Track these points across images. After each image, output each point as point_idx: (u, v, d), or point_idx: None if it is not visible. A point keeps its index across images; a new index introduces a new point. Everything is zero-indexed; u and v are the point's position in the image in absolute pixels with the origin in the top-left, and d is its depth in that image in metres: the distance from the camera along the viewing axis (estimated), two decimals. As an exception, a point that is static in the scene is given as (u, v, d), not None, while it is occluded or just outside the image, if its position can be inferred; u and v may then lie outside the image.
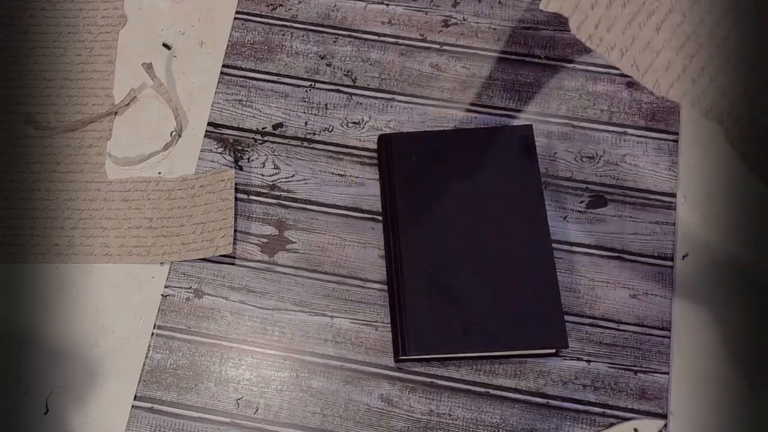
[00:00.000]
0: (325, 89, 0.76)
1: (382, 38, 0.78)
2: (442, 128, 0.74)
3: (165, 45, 0.79)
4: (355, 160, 0.74)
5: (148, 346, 0.67)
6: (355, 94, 0.76)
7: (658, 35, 0.50)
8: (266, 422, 0.64)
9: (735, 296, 0.68)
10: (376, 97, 0.76)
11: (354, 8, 0.80)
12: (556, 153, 0.74)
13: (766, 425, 0.64)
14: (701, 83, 0.49)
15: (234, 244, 0.69)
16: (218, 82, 0.77)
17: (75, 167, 0.73)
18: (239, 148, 0.74)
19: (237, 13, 0.80)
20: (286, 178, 0.73)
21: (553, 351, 0.66)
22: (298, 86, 0.77)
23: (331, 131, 0.75)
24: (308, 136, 0.74)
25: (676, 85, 0.50)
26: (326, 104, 0.76)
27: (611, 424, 0.64)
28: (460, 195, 0.69)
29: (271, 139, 0.74)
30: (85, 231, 0.71)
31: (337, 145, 0.74)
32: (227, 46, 0.78)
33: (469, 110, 0.75)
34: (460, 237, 0.67)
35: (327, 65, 0.77)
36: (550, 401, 0.65)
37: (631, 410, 0.64)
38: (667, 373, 0.65)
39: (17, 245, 0.70)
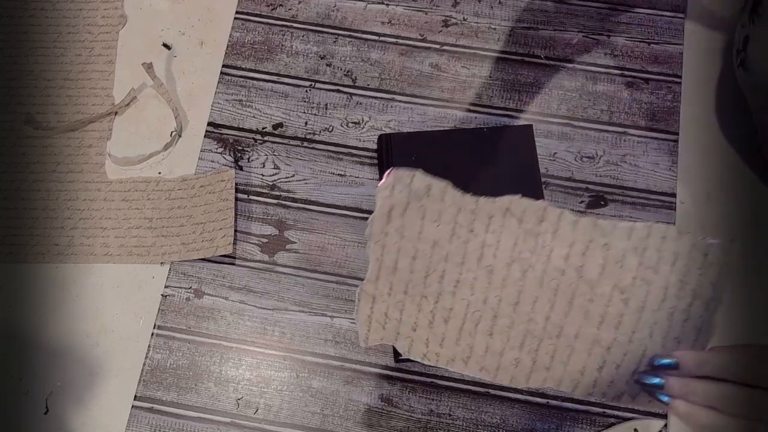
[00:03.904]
0: (325, 89, 0.76)
1: (382, 38, 0.78)
2: (442, 128, 0.74)
3: (165, 45, 0.79)
4: (355, 160, 0.74)
5: (148, 346, 0.67)
6: (355, 94, 0.76)
7: (494, 338, 0.48)
8: (266, 422, 0.64)
9: (735, 296, 0.68)
10: (376, 97, 0.76)
11: (354, 8, 0.80)
12: (556, 153, 0.74)
13: (766, 425, 0.64)
14: (557, 369, 0.49)
15: (234, 244, 0.69)
16: (218, 82, 0.77)
17: (75, 167, 0.73)
18: (239, 148, 0.74)
19: (237, 13, 0.80)
20: (286, 178, 0.73)
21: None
22: (298, 86, 0.77)
23: (331, 131, 0.75)
24: (308, 136, 0.75)
25: (533, 376, 0.49)
26: (326, 104, 0.76)
27: (611, 424, 0.64)
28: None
29: (271, 139, 0.74)
30: (85, 231, 0.71)
31: (337, 145, 0.74)
32: (227, 46, 0.78)
33: (469, 110, 0.75)
34: (460, 237, 0.67)
35: (327, 65, 0.77)
36: (550, 401, 0.65)
37: (631, 410, 0.64)
38: (667, 373, 0.65)
39: (17, 245, 0.70)
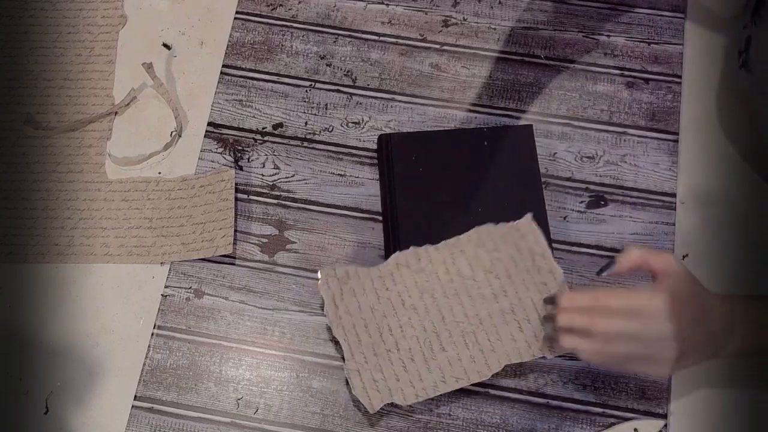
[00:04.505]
0: (325, 89, 0.76)
1: (382, 38, 0.78)
2: (442, 128, 0.74)
3: (165, 45, 0.79)
4: (355, 160, 0.74)
5: (148, 346, 0.67)
6: (355, 94, 0.76)
7: (448, 351, 0.62)
8: (266, 422, 0.64)
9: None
10: (376, 97, 0.76)
11: (354, 8, 0.80)
12: (556, 153, 0.74)
13: (767, 425, 0.64)
14: (499, 347, 0.63)
15: (234, 244, 0.69)
16: (218, 82, 0.77)
17: (75, 167, 0.73)
18: (239, 148, 0.74)
19: (237, 13, 0.80)
20: (286, 178, 0.73)
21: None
22: (298, 86, 0.77)
23: (331, 131, 0.75)
24: (308, 136, 0.75)
25: (489, 362, 0.62)
26: (326, 104, 0.76)
27: (611, 424, 0.64)
28: (460, 195, 0.69)
29: (271, 139, 0.74)
30: (85, 231, 0.71)
31: (337, 145, 0.74)
32: (227, 46, 0.78)
33: (469, 110, 0.75)
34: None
35: (327, 65, 0.77)
36: (550, 401, 0.65)
37: (631, 410, 0.64)
38: (667, 373, 0.65)
39: (17, 245, 0.70)
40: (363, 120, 0.75)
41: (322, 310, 0.67)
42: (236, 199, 0.71)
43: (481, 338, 0.62)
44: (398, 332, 0.63)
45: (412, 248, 0.65)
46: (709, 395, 0.64)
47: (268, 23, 0.79)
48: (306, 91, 0.76)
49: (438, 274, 0.65)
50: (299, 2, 0.80)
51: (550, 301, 0.61)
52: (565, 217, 0.71)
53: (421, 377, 0.61)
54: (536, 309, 0.63)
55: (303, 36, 0.79)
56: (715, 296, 0.55)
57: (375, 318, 0.63)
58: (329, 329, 0.66)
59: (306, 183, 0.73)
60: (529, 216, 0.66)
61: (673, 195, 0.72)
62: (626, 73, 0.76)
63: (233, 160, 0.74)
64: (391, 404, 0.64)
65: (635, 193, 0.72)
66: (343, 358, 0.62)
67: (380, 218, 0.71)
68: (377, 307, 0.64)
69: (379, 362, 0.61)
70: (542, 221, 0.67)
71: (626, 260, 0.56)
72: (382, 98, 0.76)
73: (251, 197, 0.72)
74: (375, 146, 0.74)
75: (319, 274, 0.65)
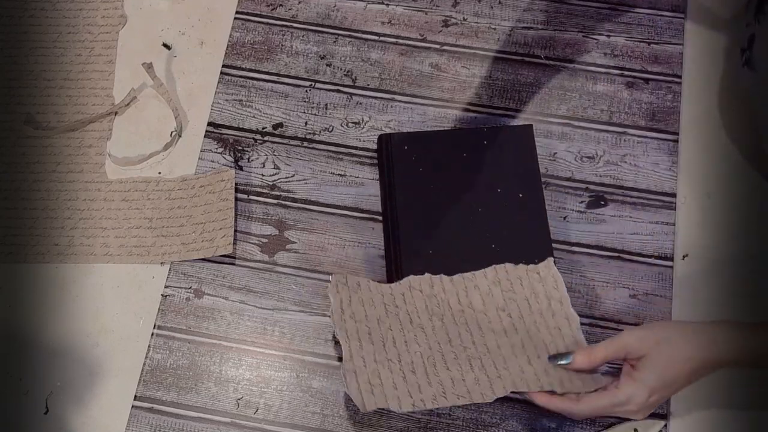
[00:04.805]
0: (325, 89, 0.76)
1: (382, 38, 0.78)
2: (442, 128, 0.74)
3: (165, 45, 0.79)
4: (355, 160, 0.74)
5: (148, 346, 0.67)
6: (355, 94, 0.76)
7: (451, 371, 0.60)
8: (266, 422, 0.64)
9: (735, 296, 0.68)
10: (376, 97, 0.76)
11: (354, 8, 0.80)
12: (556, 153, 0.73)
13: (766, 425, 0.64)
14: (505, 374, 0.60)
15: (234, 244, 0.69)
16: (218, 82, 0.77)
17: (75, 167, 0.73)
18: (239, 148, 0.74)
19: (237, 13, 0.80)
20: (286, 178, 0.73)
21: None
22: (298, 86, 0.77)
23: (331, 131, 0.75)
24: (308, 136, 0.75)
25: (494, 386, 0.59)
26: (326, 104, 0.76)
27: (611, 424, 0.64)
28: (460, 195, 0.69)
29: (271, 139, 0.74)
30: (85, 231, 0.71)
31: (337, 145, 0.74)
32: (227, 46, 0.78)
33: (469, 110, 0.75)
34: (460, 237, 0.67)
35: (327, 65, 0.77)
36: (550, 401, 0.65)
37: (631, 410, 0.64)
38: (667, 373, 0.65)
39: (17, 245, 0.70)
40: (363, 120, 0.75)
41: (327, 311, 0.67)
42: (236, 199, 0.71)
43: (488, 365, 0.60)
44: (402, 346, 0.61)
45: (426, 275, 0.65)
46: (709, 395, 0.64)
47: (268, 23, 0.79)
48: (306, 91, 0.76)
49: (450, 302, 0.64)
50: (299, 2, 0.80)
51: (560, 357, 0.60)
52: (565, 217, 0.71)
53: (421, 390, 0.59)
54: (547, 349, 0.61)
55: (303, 36, 0.79)
56: (689, 341, 0.55)
57: (380, 329, 0.62)
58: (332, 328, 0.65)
59: (306, 183, 0.73)
60: (550, 260, 0.66)
61: (673, 195, 0.72)
62: (626, 73, 0.76)
63: (233, 160, 0.74)
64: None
65: (635, 193, 0.72)
66: (341, 359, 0.62)
67: (380, 218, 0.71)
68: (384, 320, 0.63)
69: (378, 369, 0.60)
70: (542, 221, 0.67)
71: (582, 362, 0.58)
72: (382, 98, 0.76)
73: (251, 197, 0.72)
74: (375, 146, 0.74)
75: (330, 278, 0.65)
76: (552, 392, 0.57)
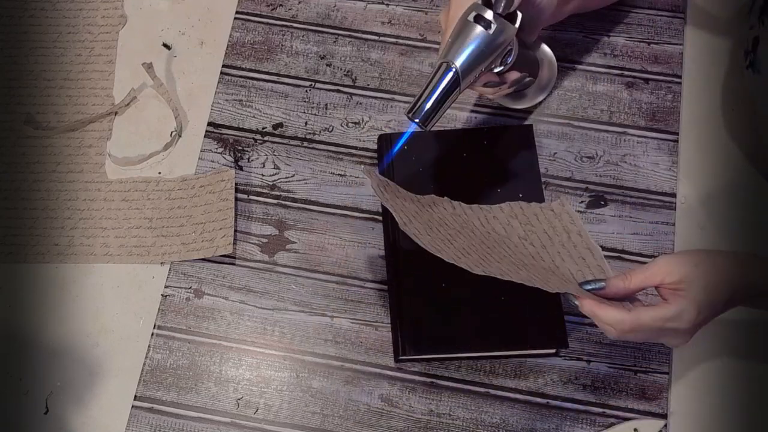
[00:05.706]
0: (325, 89, 0.76)
1: (382, 38, 0.78)
2: (442, 128, 0.74)
3: (165, 45, 0.79)
4: (355, 160, 0.74)
5: (148, 346, 0.67)
6: (355, 94, 0.76)
7: (477, 248, 0.59)
8: (266, 422, 0.64)
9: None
10: (376, 97, 0.76)
11: (354, 8, 0.80)
12: (556, 153, 0.73)
13: (767, 425, 0.64)
14: (534, 272, 0.58)
15: (234, 244, 0.69)
16: (218, 82, 0.77)
17: (75, 167, 0.73)
18: (239, 148, 0.74)
19: (237, 13, 0.80)
20: (286, 178, 0.73)
21: (553, 351, 0.66)
22: (298, 86, 0.77)
23: (331, 131, 0.75)
24: (308, 136, 0.75)
25: (521, 272, 0.57)
26: (326, 104, 0.76)
27: (611, 424, 0.64)
28: (460, 195, 0.69)
29: (271, 139, 0.74)
30: (85, 231, 0.71)
31: (337, 145, 0.74)
32: (227, 46, 0.78)
33: (469, 110, 0.75)
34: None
35: (327, 65, 0.77)
36: (550, 401, 0.65)
37: (631, 410, 0.64)
38: (667, 373, 0.65)
39: (17, 245, 0.70)
40: (363, 120, 0.75)
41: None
42: (236, 199, 0.71)
43: (533, 272, 0.58)
44: (447, 235, 0.59)
45: (445, 197, 0.65)
46: (709, 395, 0.64)
47: (268, 23, 0.79)
48: (306, 91, 0.76)
49: (474, 224, 0.63)
50: (299, 2, 0.80)
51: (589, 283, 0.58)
52: (565, 217, 0.71)
53: (468, 252, 0.56)
54: (574, 278, 0.58)
55: (303, 36, 0.79)
56: (726, 265, 0.55)
57: (422, 216, 0.61)
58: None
59: (306, 183, 0.73)
60: (563, 198, 0.65)
61: (673, 195, 0.72)
62: (626, 73, 0.76)
63: (233, 160, 0.74)
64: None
65: (635, 193, 0.72)
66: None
67: (380, 218, 0.71)
68: (422, 214, 0.61)
69: (425, 225, 0.58)
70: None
71: (617, 286, 0.56)
72: (382, 98, 0.76)
73: (251, 197, 0.72)
74: (375, 146, 0.74)
75: (362, 169, 0.66)
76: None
